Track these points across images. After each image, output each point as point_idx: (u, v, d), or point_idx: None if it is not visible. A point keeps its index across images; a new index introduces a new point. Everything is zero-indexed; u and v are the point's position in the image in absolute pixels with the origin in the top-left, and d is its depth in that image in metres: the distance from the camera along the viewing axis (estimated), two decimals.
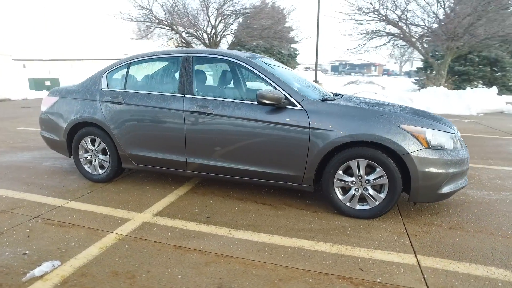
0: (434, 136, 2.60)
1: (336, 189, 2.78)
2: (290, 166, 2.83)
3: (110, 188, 3.45)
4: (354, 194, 2.74)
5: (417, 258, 2.18)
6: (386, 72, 60.21)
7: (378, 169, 2.63)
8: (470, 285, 1.91)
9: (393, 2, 12.83)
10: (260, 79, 2.99)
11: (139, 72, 3.48)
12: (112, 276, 1.97)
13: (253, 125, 2.86)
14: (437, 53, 17.94)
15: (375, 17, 13.33)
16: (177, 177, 3.77)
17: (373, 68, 66.97)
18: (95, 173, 3.59)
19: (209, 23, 16.06)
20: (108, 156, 3.49)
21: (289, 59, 25.52)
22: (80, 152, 3.61)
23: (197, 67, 3.25)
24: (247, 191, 3.38)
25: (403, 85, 23.44)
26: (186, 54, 3.23)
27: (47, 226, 2.60)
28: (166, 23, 15.68)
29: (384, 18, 13.17)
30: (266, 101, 2.72)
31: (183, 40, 16.70)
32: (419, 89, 18.18)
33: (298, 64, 29.73)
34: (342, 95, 3.49)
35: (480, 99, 10.23)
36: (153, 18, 15.51)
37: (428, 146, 2.57)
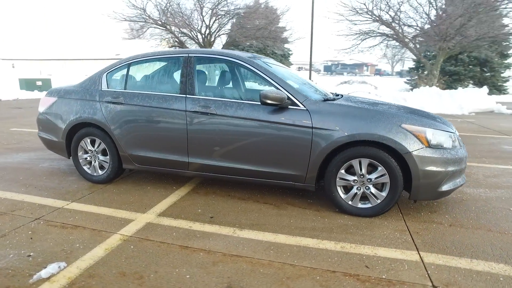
0: (434, 135, 2.66)
1: (338, 188, 2.82)
2: (292, 166, 2.85)
3: (111, 189, 3.43)
4: (356, 192, 2.78)
5: (420, 255, 2.23)
6: (378, 72, 60.84)
7: (379, 168, 2.68)
8: (472, 280, 1.96)
9: (386, 3, 12.99)
10: (262, 79, 3.01)
11: (139, 73, 3.47)
12: (120, 277, 1.97)
13: (256, 125, 2.87)
14: (428, 53, 18.20)
15: (369, 18, 13.47)
16: (177, 178, 3.76)
17: (365, 68, 67.61)
18: (95, 174, 3.56)
19: (203, 23, 16.03)
20: (108, 157, 3.47)
21: (283, 59, 25.61)
22: (80, 153, 3.58)
23: (198, 67, 3.25)
24: (249, 190, 3.40)
25: (396, 85, 23.73)
26: (187, 54, 3.23)
27: (50, 227, 2.58)
28: (160, 23, 15.58)
29: (377, 18, 13.32)
30: (269, 101, 2.74)
31: (177, 40, 16.61)
32: (411, 89, 18.43)
33: (291, 64, 29.85)
34: (342, 95, 3.53)
35: (471, 99, 10.43)
36: (147, 17, 15.40)
37: (429, 145, 2.63)
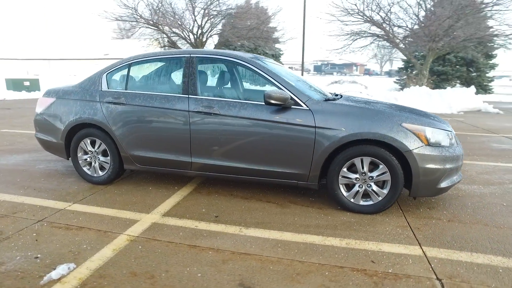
0: (433, 133, 2.74)
1: (341, 186, 2.88)
2: (296, 165, 2.90)
3: (112, 190, 3.41)
4: (358, 190, 2.85)
5: (422, 249, 2.30)
6: (367, 72, 61.65)
7: (381, 166, 2.75)
8: (474, 272, 2.04)
9: (377, 4, 13.21)
10: (264, 80, 3.05)
11: (140, 73, 3.46)
12: (131, 277, 1.97)
13: (259, 125, 2.91)
14: (416, 54, 18.56)
15: (360, 18, 13.67)
16: (178, 178, 3.77)
17: (354, 68, 68.42)
18: (95, 175, 3.54)
19: (195, 23, 15.96)
20: (109, 158, 3.45)
21: (274, 59, 25.70)
22: (79, 154, 3.55)
23: (200, 67, 3.27)
24: (251, 190, 3.43)
25: (385, 85, 24.09)
26: (189, 55, 3.24)
27: (54, 229, 2.56)
28: (152, 22, 15.45)
29: (369, 19, 13.52)
30: (273, 101, 2.78)
31: (168, 40, 16.50)
32: (400, 89, 18.76)
33: (282, 64, 30.01)
34: (341, 96, 3.59)
35: (460, 98, 10.70)
36: (138, 17, 15.25)
37: (428, 143, 2.71)
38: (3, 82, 16.04)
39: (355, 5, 13.46)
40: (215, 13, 15.48)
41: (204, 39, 16.62)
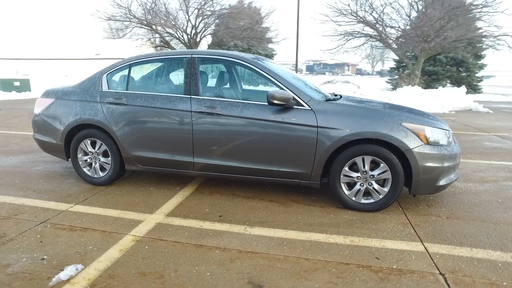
0: (432, 133, 2.81)
1: (342, 185, 2.93)
2: (298, 164, 2.94)
3: (113, 191, 3.40)
4: (360, 189, 2.90)
5: (424, 246, 2.36)
6: (359, 72, 62.21)
7: (382, 165, 2.80)
8: (474, 267, 2.11)
9: (370, 5, 13.37)
10: (266, 80, 3.08)
11: (141, 73, 3.46)
12: (141, 277, 1.98)
13: (262, 125, 2.94)
14: (408, 54, 18.84)
15: (353, 19, 13.82)
16: (179, 178, 3.77)
17: (346, 67, 68.95)
18: (96, 176, 3.52)
19: (189, 22, 15.90)
20: (109, 158, 3.43)
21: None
22: (79, 155, 3.53)
23: (202, 68, 3.28)
24: (252, 189, 3.46)
25: (377, 84, 24.36)
26: (190, 55, 3.25)
27: (58, 230, 2.55)
28: (145, 22, 15.34)
29: (362, 20, 13.68)
30: (276, 101, 2.82)
31: (162, 40, 16.41)
32: (392, 88, 19.01)
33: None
34: (341, 96, 3.64)
35: (451, 98, 10.90)
36: (132, 17, 15.12)
37: (427, 142, 2.78)
38: None
39: (348, 5, 13.61)
40: (209, 13, 15.46)
41: (198, 39, 16.58)
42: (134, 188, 3.50)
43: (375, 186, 2.86)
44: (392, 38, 14.39)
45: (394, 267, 2.10)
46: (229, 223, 2.71)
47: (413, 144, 2.73)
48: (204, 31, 16.45)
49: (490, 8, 12.15)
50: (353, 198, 2.93)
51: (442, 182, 2.86)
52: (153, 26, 15.55)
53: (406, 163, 2.79)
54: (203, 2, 14.97)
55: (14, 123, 7.60)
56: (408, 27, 13.97)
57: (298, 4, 13.91)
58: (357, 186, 2.90)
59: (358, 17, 13.79)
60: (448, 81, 19.19)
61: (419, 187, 2.81)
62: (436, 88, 14.17)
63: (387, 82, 22.72)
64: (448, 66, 18.81)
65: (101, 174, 3.51)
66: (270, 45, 22.82)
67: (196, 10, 15.22)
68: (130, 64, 3.44)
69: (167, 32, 16.24)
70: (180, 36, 16.24)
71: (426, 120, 2.91)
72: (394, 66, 21.79)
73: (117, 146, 3.37)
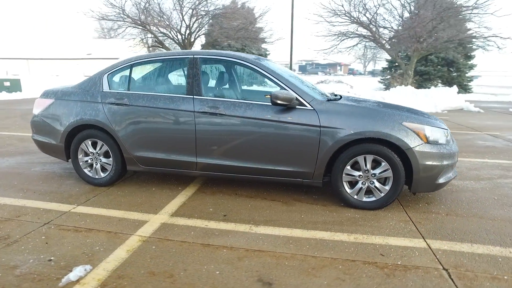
0: (431, 132, 2.88)
1: (345, 183, 2.97)
2: (301, 163, 2.97)
3: (115, 192, 3.39)
4: (361, 187, 2.95)
5: (426, 242, 2.42)
6: (352, 72, 62.69)
7: (383, 163, 2.86)
8: (476, 262, 2.17)
9: (363, 6, 13.52)
10: (268, 81, 3.11)
11: (143, 74, 3.46)
12: (150, 277, 1.99)
13: (265, 125, 2.97)
14: (400, 54, 19.08)
15: (347, 19, 13.95)
16: (181, 178, 3.78)
17: (338, 67, 69.43)
18: (97, 176, 3.50)
19: (183, 22, 15.84)
20: (111, 159, 3.42)
21: None
22: (80, 156, 3.50)
23: (204, 68, 3.30)
24: (254, 188, 3.48)
25: (370, 84, 24.60)
26: (192, 56, 3.26)
27: (63, 232, 2.54)
28: (139, 22, 15.22)
29: (356, 20, 13.82)
30: (279, 101, 2.85)
31: (156, 40, 16.30)
32: (385, 88, 19.23)
33: None
34: (341, 96, 3.69)
35: (443, 98, 11.09)
36: (125, 17, 14.99)
37: (427, 141, 2.84)
38: None
39: (342, 6, 13.74)
40: (203, 13, 15.42)
41: (192, 39, 16.52)
42: (135, 188, 3.49)
43: (377, 184, 2.92)
44: (385, 38, 14.58)
45: (399, 263, 2.15)
46: (234, 222, 2.73)
47: (413, 143, 2.79)
48: (198, 31, 16.41)
49: (480, 9, 12.42)
50: (355, 197, 2.98)
51: (441, 180, 2.93)
52: (147, 26, 15.45)
53: (406, 161, 2.85)
54: (197, 2, 14.93)
55: (7, 124, 7.48)
56: (400, 28, 14.16)
57: (292, 5, 13.98)
58: (359, 185, 2.95)
59: (352, 18, 13.93)
60: (439, 81, 19.48)
61: (420, 185, 2.88)
62: (428, 88, 14.40)
63: (379, 82, 22.95)
64: (439, 66, 19.09)
65: (102, 174, 3.49)
66: (263, 45, 22.88)
67: (190, 10, 15.18)
68: (131, 64, 3.43)
69: (161, 32, 16.16)
70: (174, 36, 16.17)
71: (426, 120, 2.98)
72: (387, 66, 22.03)
73: (118, 147, 3.36)
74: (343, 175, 2.95)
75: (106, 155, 3.46)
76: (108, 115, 3.31)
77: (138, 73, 3.45)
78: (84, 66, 34.09)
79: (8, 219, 2.74)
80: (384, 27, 14.11)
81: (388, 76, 21.10)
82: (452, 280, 1.97)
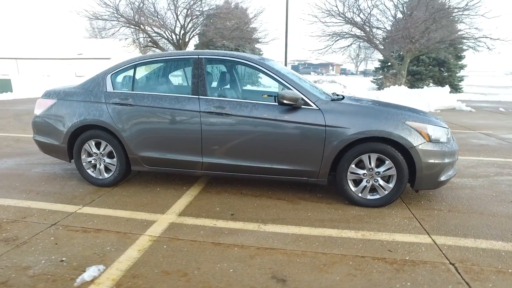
0: (434, 130, 2.95)
1: (349, 182, 3.03)
2: (307, 162, 3.02)
3: (120, 192, 3.38)
4: (366, 185, 3.01)
5: (431, 238, 2.49)
6: (344, 72, 63.15)
7: (387, 162, 2.92)
8: (480, 256, 2.24)
9: (357, 7, 13.67)
10: (274, 81, 3.14)
11: (147, 74, 3.45)
12: (165, 276, 2.01)
13: (271, 124, 3.00)
14: (392, 54, 19.33)
15: (341, 20, 14.08)
16: (185, 178, 3.79)
17: (331, 67, 69.87)
18: (100, 177, 3.49)
19: (178, 22, 15.78)
20: (115, 159, 3.41)
21: None
22: (83, 156, 3.48)
23: (209, 68, 3.31)
24: (259, 187, 3.51)
25: (363, 84, 24.83)
26: (197, 56, 3.28)
27: (71, 232, 2.53)
28: (133, 22, 15.10)
29: (350, 21, 13.96)
30: (286, 101, 2.89)
31: (151, 40, 16.20)
32: (378, 88, 19.46)
33: None
34: (343, 96, 3.75)
35: (436, 97, 11.29)
36: (119, 16, 14.85)
37: (429, 140, 2.91)
38: None
39: (336, 6, 13.86)
40: (198, 13, 15.39)
41: (186, 39, 16.47)
42: (140, 189, 3.49)
43: (381, 182, 2.97)
44: (379, 39, 14.76)
45: (407, 258, 2.21)
46: (242, 221, 2.76)
47: (416, 141, 2.86)
48: (193, 31, 16.36)
49: (471, 11, 12.68)
50: (360, 195, 3.03)
51: (443, 178, 3.00)
52: (141, 26, 15.34)
53: (409, 160, 2.91)
54: (192, 2, 14.89)
55: (1, 124, 7.36)
56: (393, 28, 14.36)
57: (286, 5, 14.06)
58: (363, 183, 3.01)
59: (346, 18, 14.07)
60: (431, 81, 19.80)
61: (422, 182, 2.95)
62: (421, 87, 14.63)
63: (372, 82, 23.21)
64: (430, 66, 19.41)
65: (106, 175, 3.48)
66: (257, 45, 22.93)
67: (185, 10, 15.13)
68: (135, 64, 3.42)
69: (156, 32, 16.07)
70: (169, 36, 16.10)
71: (427, 119, 3.05)
72: (379, 66, 22.28)
73: (123, 147, 3.35)
74: (348, 173, 3.00)
75: (110, 155, 3.44)
76: (112, 116, 3.30)
77: (142, 73, 3.45)
78: (75, 66, 33.63)
79: (14, 220, 2.71)
80: (378, 28, 14.30)
81: (381, 76, 21.35)
82: (459, 274, 2.04)
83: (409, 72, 18.65)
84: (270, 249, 2.31)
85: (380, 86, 19.55)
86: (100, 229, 2.59)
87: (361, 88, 20.08)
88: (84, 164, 3.50)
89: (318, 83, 26.10)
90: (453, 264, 2.14)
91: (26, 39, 39.42)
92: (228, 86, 3.63)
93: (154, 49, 17.42)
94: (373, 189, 3.03)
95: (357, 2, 13.72)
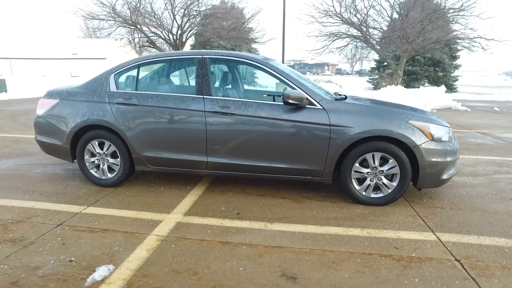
0: (436, 129, 2.99)
1: (353, 180, 3.06)
2: (311, 161, 3.04)
3: (123, 192, 3.38)
4: (370, 184, 3.04)
5: (436, 235, 2.53)
6: (339, 72, 63.38)
7: (391, 160, 2.95)
8: (484, 253, 2.28)
9: (354, 7, 13.77)
10: (278, 80, 3.16)
11: (151, 74, 3.45)
12: (175, 274, 2.02)
13: (276, 124, 3.02)
14: (388, 54, 19.47)
15: (338, 20, 14.16)
16: (188, 177, 3.79)
17: (326, 67, 70.13)
18: (104, 177, 3.48)
19: (175, 22, 15.73)
20: (118, 159, 3.41)
21: None
22: (86, 157, 3.47)
23: (213, 68, 3.32)
24: (263, 187, 3.53)
25: (359, 84, 24.97)
26: (201, 56, 3.28)
27: (78, 233, 2.52)
28: (130, 22, 15.02)
29: (347, 21, 14.05)
30: (291, 101, 2.91)
31: (148, 40, 16.13)
32: (374, 88, 19.58)
33: None
34: (346, 96, 3.78)
35: (432, 97, 11.40)
36: (116, 16, 14.76)
37: (432, 138, 2.95)
38: None
39: (333, 6, 13.95)
40: (195, 13, 15.36)
41: (183, 39, 16.43)
42: (143, 188, 3.49)
43: (384, 181, 3.01)
44: (376, 39, 14.87)
45: (413, 255, 2.24)
46: (248, 220, 2.77)
47: (419, 140, 2.90)
48: (190, 31, 16.34)
49: (466, 11, 12.84)
50: (364, 193, 3.06)
51: (445, 176, 3.05)
52: (138, 26, 15.27)
53: (412, 158, 2.95)
54: (189, 1, 14.86)
55: None
56: (389, 28, 14.47)
57: (284, 5, 14.09)
58: (367, 181, 3.04)
59: (343, 19, 14.15)
60: (426, 81, 19.97)
61: (425, 181, 2.99)
62: (417, 87, 14.76)
63: (368, 81, 23.34)
64: (426, 66, 19.58)
65: (109, 175, 3.47)
66: (254, 45, 22.95)
67: (182, 10, 15.09)
68: (139, 64, 3.42)
69: (153, 32, 16.01)
70: (166, 36, 16.05)
71: (430, 118, 3.10)
72: (375, 66, 22.42)
73: (126, 147, 3.34)
74: (352, 172, 3.03)
75: (114, 155, 3.44)
76: (116, 115, 3.29)
77: (146, 73, 3.45)
78: (70, 66, 33.34)
79: (20, 221, 2.70)
80: (374, 28, 14.40)
81: (376, 76, 21.49)
82: (465, 270, 2.07)
83: (404, 72, 18.79)
84: (278, 247, 2.33)
85: (376, 86, 19.67)
86: (106, 229, 2.59)
87: (357, 88, 20.19)
88: (87, 164, 3.49)
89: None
90: (458, 261, 2.18)
91: (19, 38, 38.98)
92: (232, 86, 3.64)
93: (150, 49, 17.36)
94: (376, 188, 3.06)
95: (354, 3, 13.83)
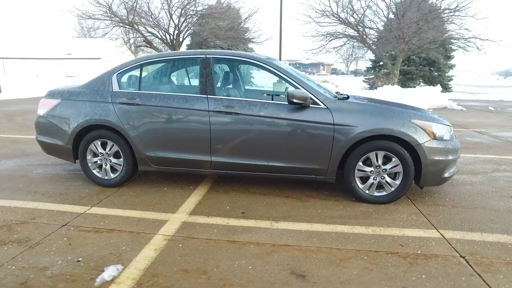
0: (438, 128, 3.03)
1: (357, 179, 3.08)
2: (315, 160, 3.06)
3: (127, 192, 3.37)
4: (373, 182, 3.07)
5: (440, 232, 2.56)
6: (334, 71, 63.62)
7: (394, 159, 2.99)
8: (488, 249, 2.32)
9: (351, 7, 13.85)
10: (281, 80, 3.18)
11: (154, 73, 3.45)
12: (185, 274, 2.02)
13: (280, 123, 3.04)
14: (384, 54, 19.60)
15: (335, 20, 14.23)
16: (191, 177, 3.79)
17: (321, 67, 70.36)
18: (106, 177, 3.47)
19: (172, 21, 15.68)
20: (121, 159, 3.40)
21: None
22: (89, 157, 3.46)
23: (217, 68, 3.33)
24: (266, 186, 3.54)
25: (355, 84, 25.11)
26: (204, 56, 3.29)
27: (84, 233, 2.51)
28: (127, 22, 14.94)
29: (344, 21, 14.12)
30: (295, 100, 2.93)
31: (144, 40, 16.06)
32: (369, 87, 19.70)
33: None
34: (348, 95, 3.80)
35: (428, 96, 11.51)
36: (112, 16, 14.67)
37: (434, 137, 2.99)
38: None
39: (330, 6, 14.01)
40: (192, 13, 15.32)
41: (180, 39, 16.39)
42: (147, 188, 3.48)
43: (387, 179, 3.04)
44: (372, 39, 14.97)
45: (419, 252, 2.27)
46: (253, 219, 2.79)
47: (422, 139, 2.93)
48: (187, 30, 16.30)
49: (461, 12, 12.98)
50: (367, 191, 3.09)
51: (446, 174, 3.09)
52: (135, 26, 15.20)
53: (415, 157, 2.98)
54: (186, 1, 14.82)
55: None
56: (386, 28, 14.58)
57: (280, 5, 14.12)
58: (371, 180, 3.07)
59: (340, 19, 14.23)
60: (421, 80, 20.15)
61: (427, 179, 3.02)
62: (412, 87, 14.90)
63: (363, 81, 23.48)
64: (421, 66, 19.75)
65: (112, 175, 3.46)
66: (250, 45, 22.96)
67: (179, 10, 15.04)
68: (141, 64, 3.41)
69: (149, 32, 15.94)
70: (163, 36, 15.99)
71: (432, 117, 3.13)
72: (371, 65, 22.56)
73: (130, 147, 3.33)
74: (356, 171, 3.05)
75: (116, 155, 3.43)
76: (119, 115, 3.28)
77: (149, 72, 3.44)
78: (65, 66, 33.05)
79: (24, 221, 2.68)
80: (371, 28, 14.50)
81: (372, 76, 21.62)
82: (471, 266, 2.11)
83: (400, 71, 18.92)
84: (285, 246, 2.35)
85: (372, 86, 19.80)
86: (112, 229, 2.58)
87: (354, 88, 20.31)
88: (89, 164, 3.47)
89: None
90: (463, 257, 2.21)
91: (12, 38, 38.52)
92: (234, 85, 3.65)
93: (148, 48, 17.29)
94: (380, 186, 3.09)
95: (351, 3, 13.91)
